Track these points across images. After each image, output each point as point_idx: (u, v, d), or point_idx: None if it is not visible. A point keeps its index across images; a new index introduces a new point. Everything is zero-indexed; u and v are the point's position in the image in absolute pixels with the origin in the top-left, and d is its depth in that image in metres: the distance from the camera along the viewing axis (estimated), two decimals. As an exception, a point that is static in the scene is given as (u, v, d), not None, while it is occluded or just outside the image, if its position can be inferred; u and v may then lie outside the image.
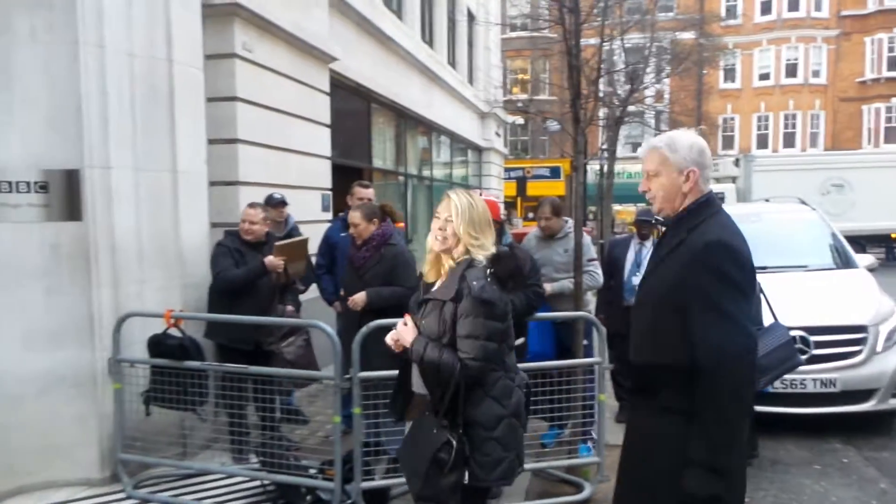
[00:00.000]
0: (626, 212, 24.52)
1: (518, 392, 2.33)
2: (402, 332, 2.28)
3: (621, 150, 16.25)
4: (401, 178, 11.53)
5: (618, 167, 15.07)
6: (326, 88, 6.91)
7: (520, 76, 27.65)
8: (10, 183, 3.56)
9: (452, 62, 14.19)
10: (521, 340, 3.53)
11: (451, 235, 2.24)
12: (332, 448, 3.50)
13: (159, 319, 3.75)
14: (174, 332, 3.71)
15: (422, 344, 2.21)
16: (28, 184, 3.60)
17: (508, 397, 2.27)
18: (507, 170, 20.44)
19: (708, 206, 1.99)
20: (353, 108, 8.72)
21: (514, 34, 23.60)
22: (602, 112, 12.60)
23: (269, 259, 4.03)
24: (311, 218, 6.26)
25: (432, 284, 2.37)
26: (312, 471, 3.62)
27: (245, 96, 5.35)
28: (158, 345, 3.70)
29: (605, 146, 13.82)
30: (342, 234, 4.61)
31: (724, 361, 1.80)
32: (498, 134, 17.99)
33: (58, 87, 3.65)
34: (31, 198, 3.60)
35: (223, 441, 4.11)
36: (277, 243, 4.18)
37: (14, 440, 3.65)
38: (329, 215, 6.87)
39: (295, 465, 3.62)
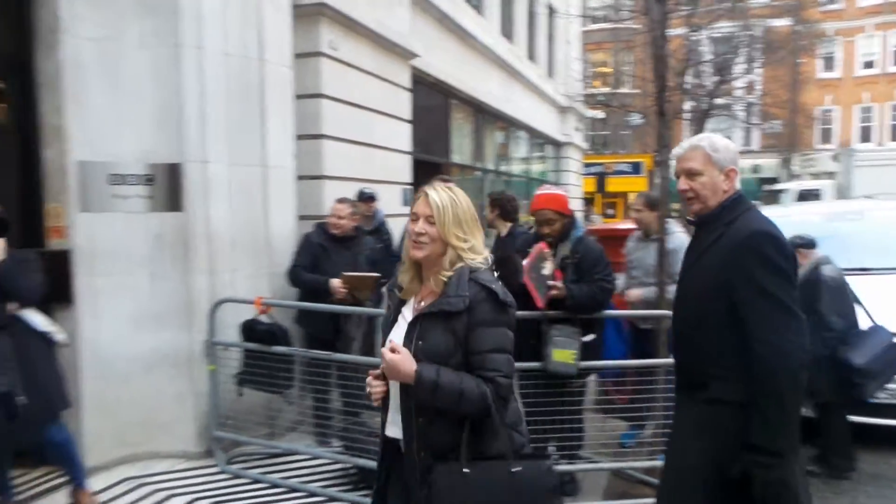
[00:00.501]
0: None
1: (513, 401, 1.98)
2: (396, 361, 1.76)
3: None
4: (479, 174, 11.57)
5: (704, 162, 14.47)
6: (408, 85, 7.03)
7: (600, 69, 27.05)
8: (122, 176, 3.86)
9: (532, 56, 14.07)
10: (591, 337, 3.48)
11: (435, 239, 1.85)
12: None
13: (250, 305, 3.97)
14: (264, 318, 3.91)
15: (433, 370, 1.76)
16: (136, 177, 3.89)
17: (521, 422, 1.98)
18: (586, 165, 20.06)
19: (741, 202, 2.08)
20: (432, 103, 8.83)
21: (594, 26, 23.10)
22: (688, 105, 12.13)
23: (333, 283, 4.12)
24: (392, 212, 6.40)
25: (404, 302, 1.99)
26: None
27: (330, 93, 5.53)
28: (249, 329, 3.91)
29: (690, 140, 13.31)
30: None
31: (781, 346, 1.84)
32: (577, 129, 17.68)
33: (162, 87, 3.92)
34: (139, 190, 3.90)
35: (308, 424, 4.29)
36: (345, 273, 4.17)
37: (123, 414, 3.96)
38: (409, 209, 7.00)
39: (376, 451, 3.73)
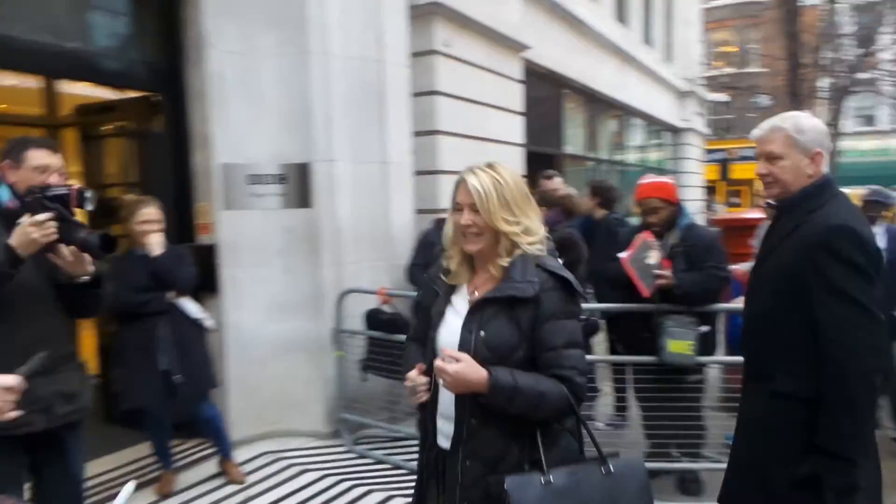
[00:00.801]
0: (854, 195, 21.42)
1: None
2: (463, 372, 1.54)
3: (848, 125, 14.20)
4: (592, 164, 11.32)
5: (844, 144, 13.22)
6: (519, 77, 7.03)
7: (723, 49, 25.43)
8: (259, 176, 4.21)
9: (648, 40, 13.52)
10: (706, 328, 3.35)
11: (484, 229, 1.65)
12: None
13: (373, 295, 4.19)
14: (386, 307, 4.12)
15: (508, 374, 1.56)
16: (271, 177, 4.23)
17: (579, 429, 1.75)
18: (707, 152, 18.98)
19: (827, 188, 1.93)
20: (544, 94, 8.76)
21: (716, 3, 21.75)
22: (825, 82, 11.14)
23: None
24: (504, 204, 6.46)
25: (452, 290, 1.78)
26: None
27: (444, 90, 5.66)
28: (373, 318, 4.13)
29: (830, 123, 12.20)
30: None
31: (854, 348, 1.75)
32: (698, 113, 16.77)
33: (292, 93, 4.22)
34: (273, 188, 4.23)
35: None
36: None
37: (261, 394, 4.33)
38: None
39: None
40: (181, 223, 4.16)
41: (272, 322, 4.31)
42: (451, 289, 1.77)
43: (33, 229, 2.03)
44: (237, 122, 4.14)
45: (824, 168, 1.96)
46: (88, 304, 2.34)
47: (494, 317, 1.63)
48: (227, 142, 4.14)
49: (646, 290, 3.20)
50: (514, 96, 6.96)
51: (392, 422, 4.40)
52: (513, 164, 6.91)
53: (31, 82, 5.75)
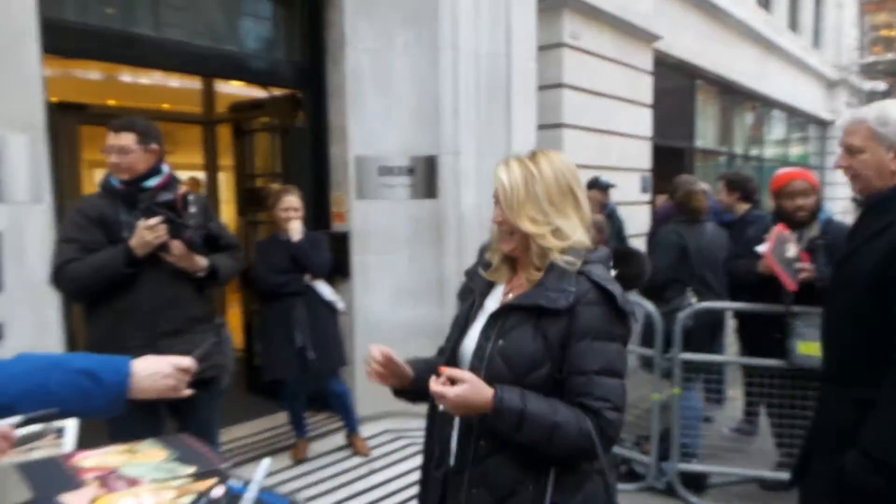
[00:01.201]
0: None
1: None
2: (464, 395, 1.32)
3: None
4: (724, 159, 10.69)
5: None
6: (649, 68, 6.81)
7: (883, 33, 22.84)
8: (389, 168, 4.43)
9: (794, 26, 12.50)
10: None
11: (515, 228, 1.44)
12: (647, 424, 3.56)
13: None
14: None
15: (517, 396, 1.33)
16: (400, 168, 4.43)
17: (615, 467, 1.67)
18: (860, 146, 17.16)
19: None
20: (675, 85, 8.39)
21: (878, -18, 19.59)
22: None
23: None
24: (629, 199, 6.30)
25: (491, 287, 1.57)
26: (627, 444, 3.73)
27: (570, 82, 5.62)
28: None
29: None
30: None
31: None
32: (849, 104, 15.26)
33: (422, 88, 4.39)
34: (402, 180, 4.43)
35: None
36: None
37: (384, 374, 4.55)
38: (648, 196, 6.81)
39: (627, 444, 3.76)
40: (318, 211, 4.47)
41: (398, 307, 4.52)
42: (489, 287, 1.57)
43: (147, 232, 2.36)
44: (371, 117, 4.38)
45: None
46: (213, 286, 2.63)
47: (518, 326, 1.40)
48: (361, 135, 4.39)
49: (791, 284, 3.06)
50: (643, 88, 6.75)
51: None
52: (639, 157, 6.72)
53: (191, 83, 6.42)
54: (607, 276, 1.44)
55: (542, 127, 5.18)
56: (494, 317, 1.46)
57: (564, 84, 5.55)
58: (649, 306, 3.43)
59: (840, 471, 1.73)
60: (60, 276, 2.46)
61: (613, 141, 6.27)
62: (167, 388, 1.32)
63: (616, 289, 1.40)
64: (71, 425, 1.39)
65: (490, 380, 1.37)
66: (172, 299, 2.49)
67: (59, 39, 3.07)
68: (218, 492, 0.99)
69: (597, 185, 5.09)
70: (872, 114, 1.83)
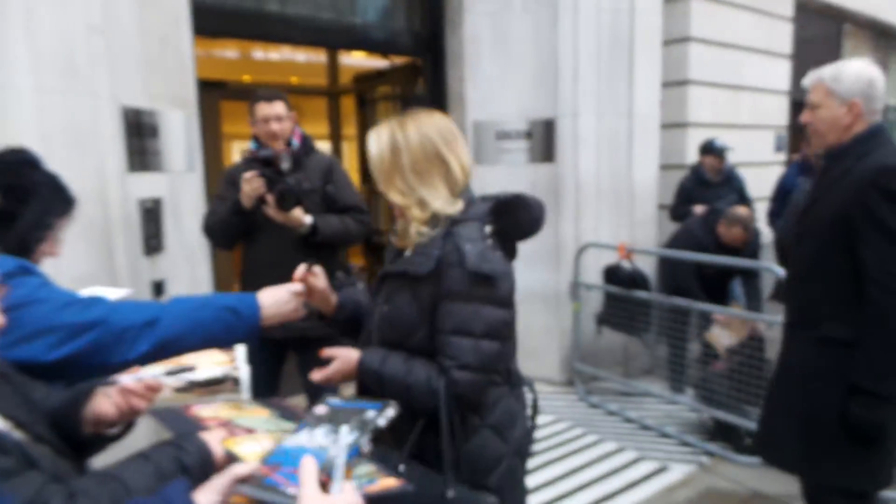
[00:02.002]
0: None
1: (523, 417, 1.58)
2: (334, 371, 1.46)
3: None
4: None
5: None
6: (789, 14, 6.22)
7: None
8: (506, 132, 4.43)
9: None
10: None
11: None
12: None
13: (610, 251, 4.19)
14: (626, 263, 4.10)
15: (377, 359, 1.43)
16: (518, 132, 4.42)
17: (512, 426, 1.51)
18: None
19: (875, 136, 1.90)
20: (818, 33, 7.60)
21: None
22: None
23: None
24: (761, 159, 5.88)
25: (402, 253, 1.56)
26: (754, 416, 3.57)
27: (698, 35, 5.27)
28: (612, 274, 4.15)
29: None
30: (799, 178, 4.27)
31: (891, 284, 1.77)
32: None
33: (540, 49, 4.32)
34: (519, 144, 4.43)
35: (662, 369, 4.38)
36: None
37: (500, 337, 4.65)
38: (783, 156, 6.30)
39: (736, 407, 3.63)
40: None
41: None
42: (399, 253, 1.57)
43: (245, 184, 2.59)
44: (489, 81, 4.39)
45: (871, 117, 1.90)
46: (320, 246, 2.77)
47: (398, 291, 1.46)
48: (479, 100, 4.41)
49: None
50: (781, 37, 6.20)
51: (626, 376, 4.42)
52: (773, 113, 6.22)
53: (317, 57, 6.74)
54: (475, 234, 1.40)
55: (666, 84, 4.94)
56: (379, 283, 1.53)
57: (692, 37, 5.22)
58: (780, 271, 3.23)
59: (844, 416, 1.84)
60: (203, 224, 2.87)
61: (745, 96, 5.84)
62: (290, 312, 1.48)
63: (472, 249, 1.37)
64: (244, 375, 1.60)
65: (382, 342, 1.48)
66: (277, 259, 2.60)
67: (204, 21, 3.34)
68: (321, 409, 1.09)
69: (711, 151, 4.70)
70: (829, 72, 1.94)
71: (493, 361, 1.41)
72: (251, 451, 1.08)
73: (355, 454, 0.98)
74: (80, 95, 2.46)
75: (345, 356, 1.46)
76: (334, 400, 1.12)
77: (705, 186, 4.56)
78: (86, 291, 1.98)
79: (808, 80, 2.01)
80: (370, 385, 1.44)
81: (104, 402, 1.14)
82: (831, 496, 1.97)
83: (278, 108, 2.79)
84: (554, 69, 4.27)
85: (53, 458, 0.99)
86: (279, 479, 0.92)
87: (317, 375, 1.46)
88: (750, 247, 4.05)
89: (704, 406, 3.71)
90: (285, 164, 2.74)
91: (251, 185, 2.59)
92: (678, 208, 4.66)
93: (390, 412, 1.05)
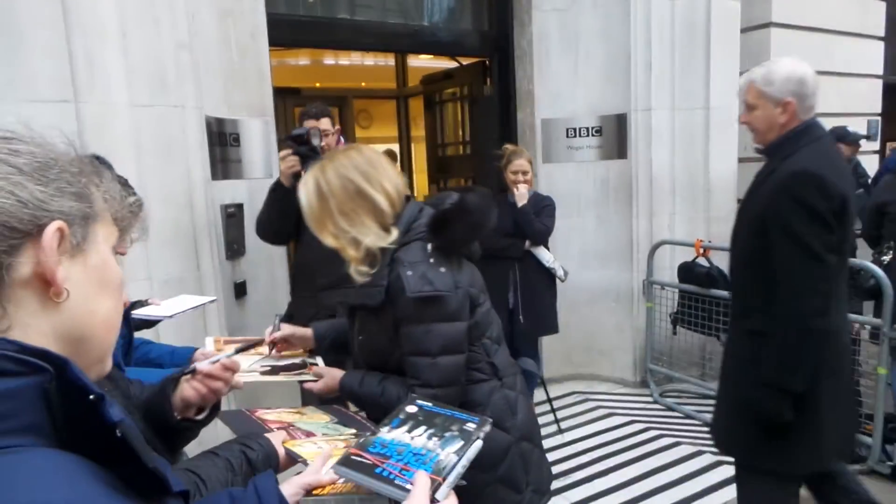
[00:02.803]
0: None
1: (523, 400, 1.62)
2: (321, 387, 1.60)
3: None
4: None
5: None
6: (882, -7, 5.82)
7: None
8: (575, 129, 4.37)
9: None
10: None
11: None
12: (871, 402, 3.19)
13: (686, 248, 4.06)
14: (702, 261, 3.96)
15: (356, 380, 1.55)
16: (588, 129, 4.35)
17: (513, 413, 1.57)
18: None
19: (805, 134, 1.95)
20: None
21: None
22: None
23: None
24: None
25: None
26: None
27: (780, 20, 5.02)
28: (688, 271, 4.01)
29: None
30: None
31: (798, 291, 1.85)
32: None
33: (611, 43, 4.24)
34: (589, 141, 4.36)
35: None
36: None
37: (571, 337, 4.59)
38: (876, 145, 5.90)
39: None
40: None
41: (585, 270, 4.50)
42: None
43: (281, 162, 2.71)
44: (557, 78, 4.34)
45: (804, 115, 1.95)
46: None
47: (367, 321, 1.55)
48: (548, 98, 4.37)
49: None
50: (873, 17, 5.80)
51: (703, 378, 4.27)
52: (865, 99, 5.83)
53: (385, 60, 6.86)
54: (417, 256, 1.46)
55: (744, 73, 4.72)
56: (350, 315, 1.62)
57: (773, 22, 4.97)
58: (879, 271, 3.04)
59: (749, 404, 1.95)
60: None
61: (832, 83, 5.49)
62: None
63: (412, 275, 1.43)
64: (320, 362, 1.70)
65: (366, 366, 1.59)
66: (328, 253, 2.72)
67: (279, 32, 3.48)
68: (411, 408, 1.11)
69: (845, 139, 4.38)
70: (760, 73, 1.99)
71: (453, 375, 1.49)
72: (310, 452, 1.14)
73: (466, 466, 0.98)
74: (169, 108, 2.63)
75: (330, 376, 1.59)
76: (423, 402, 1.13)
77: None
78: (174, 300, 2.12)
79: (741, 81, 2.10)
80: (352, 403, 1.60)
81: (187, 388, 1.20)
82: (760, 478, 2.05)
83: (324, 123, 2.92)
84: (625, 63, 4.17)
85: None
86: (391, 471, 0.92)
87: (308, 386, 1.62)
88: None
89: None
90: (316, 140, 2.79)
91: (286, 162, 2.70)
92: None
93: (487, 427, 1.06)
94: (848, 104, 5.67)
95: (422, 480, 0.88)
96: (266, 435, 1.18)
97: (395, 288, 1.45)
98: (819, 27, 5.31)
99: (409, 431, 1.04)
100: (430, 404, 1.13)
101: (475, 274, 1.60)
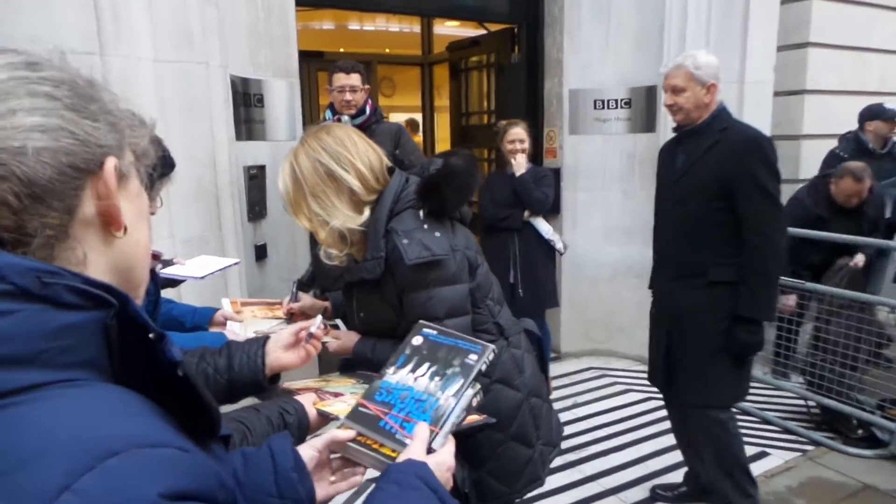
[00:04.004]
0: None
1: (529, 358, 1.67)
2: (338, 346, 1.61)
3: None
4: None
5: None
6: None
7: None
8: (604, 101, 4.27)
9: None
10: None
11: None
12: (894, 386, 3.13)
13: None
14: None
15: (367, 346, 1.57)
16: (617, 101, 4.25)
17: (520, 371, 1.63)
18: None
19: (727, 113, 2.34)
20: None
21: None
22: None
23: None
24: (890, 130, 5.34)
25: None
26: (867, 406, 3.32)
27: (822, -7, 4.83)
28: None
29: None
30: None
31: (770, 235, 2.17)
32: None
33: (644, 12, 4.10)
34: (618, 113, 4.26)
35: (768, 353, 4.14)
36: None
37: (590, 313, 4.56)
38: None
39: (847, 395, 3.39)
40: (533, 148, 4.49)
41: (606, 245, 4.44)
42: (356, 261, 1.66)
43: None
44: (588, 47, 4.23)
45: (717, 97, 2.31)
46: None
47: (367, 297, 1.56)
48: (577, 67, 4.27)
49: None
50: (920, -8, 5.55)
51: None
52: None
53: (410, 27, 6.75)
54: (411, 224, 1.47)
55: (782, 48, 4.56)
56: (346, 293, 1.63)
57: (814, -5, 4.78)
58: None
59: (729, 341, 2.24)
60: None
61: (874, 59, 5.30)
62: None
63: (408, 243, 1.43)
64: (341, 324, 1.69)
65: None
66: None
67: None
68: (417, 339, 1.12)
69: (883, 116, 4.20)
70: (689, 60, 2.29)
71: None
72: (341, 409, 1.15)
73: (465, 407, 0.99)
74: (193, 64, 2.60)
75: (348, 337, 1.62)
76: (429, 331, 1.13)
77: (867, 158, 4.02)
78: (197, 260, 2.11)
79: (668, 67, 2.36)
80: (364, 366, 1.58)
81: (285, 355, 1.28)
82: (710, 413, 2.40)
83: (354, 79, 2.96)
84: (658, 33, 4.04)
85: None
86: (393, 424, 0.96)
87: (327, 343, 1.60)
88: (874, 205, 3.68)
89: (812, 393, 3.49)
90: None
91: None
92: None
93: (490, 355, 1.05)
94: (890, 83, 5.47)
95: (421, 434, 0.92)
96: (297, 398, 1.22)
97: (393, 258, 1.46)
98: (862, 0, 5.10)
99: (413, 371, 1.06)
100: (435, 332, 1.13)
101: (469, 236, 1.61)
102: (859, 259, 3.67)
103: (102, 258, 0.56)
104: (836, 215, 3.66)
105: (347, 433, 0.98)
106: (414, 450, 0.89)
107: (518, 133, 3.61)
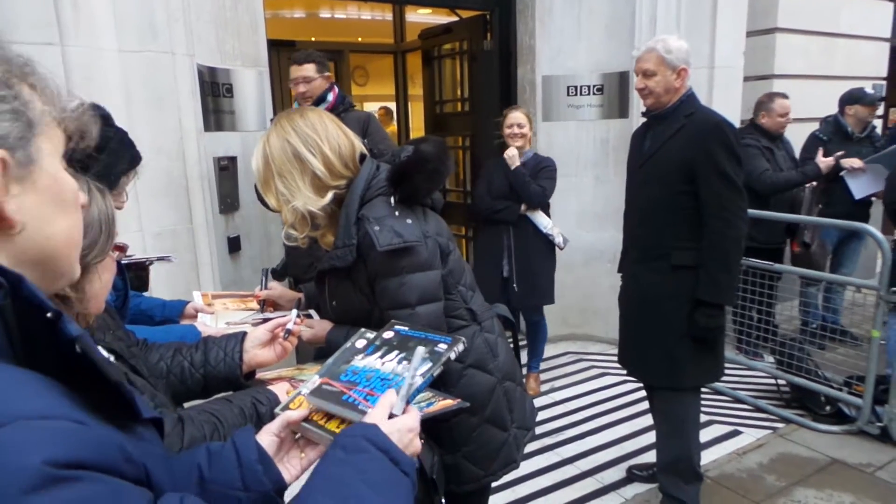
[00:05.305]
0: None
1: (502, 342, 1.69)
2: (312, 335, 1.60)
3: None
4: None
5: None
6: (894, -49, 5.66)
7: None
8: (576, 87, 4.29)
9: None
10: None
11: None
12: (861, 364, 3.22)
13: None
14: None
15: (341, 333, 1.53)
16: (589, 87, 4.27)
17: (494, 356, 1.64)
18: None
19: (695, 98, 2.36)
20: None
21: None
22: None
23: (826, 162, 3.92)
24: (854, 113, 5.44)
25: None
26: (834, 383, 3.42)
27: (788, -22, 4.89)
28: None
29: None
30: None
31: (731, 219, 2.19)
32: None
33: (615, -1, 4.12)
34: (591, 99, 4.28)
35: (741, 334, 4.22)
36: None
37: (566, 297, 4.57)
38: (879, 110, 5.82)
39: (815, 373, 3.48)
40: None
41: (581, 230, 4.47)
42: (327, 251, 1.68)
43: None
44: (560, 34, 4.23)
45: (687, 82, 2.33)
46: None
47: (339, 286, 1.56)
48: (549, 54, 4.27)
49: None
50: (884, -22, 5.65)
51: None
52: (870, 63, 5.73)
53: (382, 14, 6.68)
54: (382, 211, 1.47)
55: (751, 34, 4.61)
56: (319, 282, 1.63)
57: (781, -20, 4.84)
58: (879, 235, 3.02)
59: (690, 325, 2.26)
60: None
61: (839, 44, 5.39)
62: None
63: (380, 230, 1.43)
64: (315, 314, 1.68)
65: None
66: None
67: (274, -21, 3.36)
68: (388, 334, 1.12)
69: (864, 100, 4.25)
70: (660, 44, 2.30)
71: (433, 323, 1.49)
72: None
73: (429, 383, 1.00)
74: (158, 54, 2.54)
75: (321, 326, 1.61)
76: (401, 327, 1.14)
77: (846, 142, 4.11)
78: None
79: (641, 51, 2.37)
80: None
81: (262, 353, 1.33)
82: (683, 395, 2.42)
83: (307, 69, 2.94)
84: (629, 19, 4.05)
85: (152, 390, 1.07)
86: (356, 398, 0.96)
87: (299, 330, 1.60)
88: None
89: (782, 372, 3.57)
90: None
91: None
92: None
93: (460, 346, 1.05)
94: (854, 68, 5.56)
95: (384, 400, 0.91)
96: (270, 388, 1.23)
97: (364, 245, 1.47)
98: (829, -14, 5.17)
99: (381, 357, 1.06)
100: (406, 328, 1.13)
101: (441, 223, 1.61)
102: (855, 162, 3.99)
103: (2, 253, 0.54)
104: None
105: (299, 413, 0.98)
106: (373, 415, 0.88)
107: (517, 117, 3.46)
